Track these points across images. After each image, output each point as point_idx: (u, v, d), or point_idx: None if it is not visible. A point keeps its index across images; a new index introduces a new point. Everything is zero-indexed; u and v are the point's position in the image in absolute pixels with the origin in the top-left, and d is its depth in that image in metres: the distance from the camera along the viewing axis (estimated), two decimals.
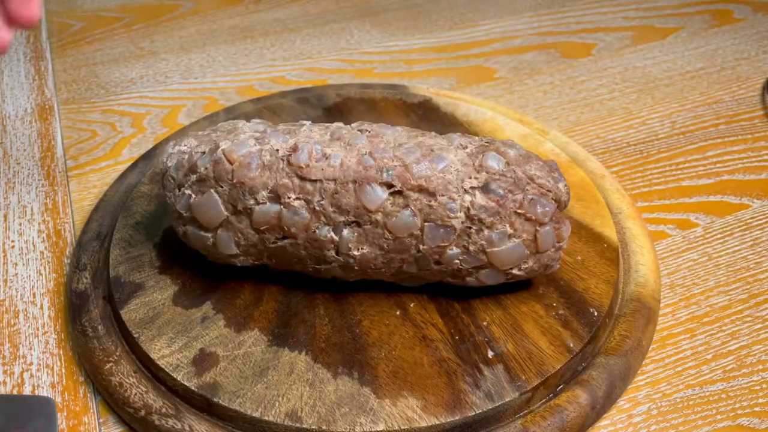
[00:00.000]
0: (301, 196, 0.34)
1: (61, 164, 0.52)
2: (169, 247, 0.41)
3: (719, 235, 0.45)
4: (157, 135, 0.54)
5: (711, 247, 0.44)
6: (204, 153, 0.36)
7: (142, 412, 0.34)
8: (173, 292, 0.38)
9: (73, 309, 0.39)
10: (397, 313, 0.37)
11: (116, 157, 0.52)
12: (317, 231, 0.35)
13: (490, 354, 0.35)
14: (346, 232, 0.34)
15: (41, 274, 0.43)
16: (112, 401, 0.35)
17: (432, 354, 0.35)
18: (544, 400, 0.35)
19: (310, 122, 0.38)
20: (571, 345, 0.35)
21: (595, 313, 0.37)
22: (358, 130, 0.37)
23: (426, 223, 0.34)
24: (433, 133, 0.37)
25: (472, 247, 0.34)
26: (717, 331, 0.39)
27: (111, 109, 0.58)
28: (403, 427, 0.32)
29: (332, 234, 0.35)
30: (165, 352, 0.35)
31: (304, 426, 0.32)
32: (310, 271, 0.37)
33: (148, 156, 0.50)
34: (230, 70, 0.62)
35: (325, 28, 0.69)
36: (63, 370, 0.38)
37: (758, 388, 0.36)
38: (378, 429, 0.32)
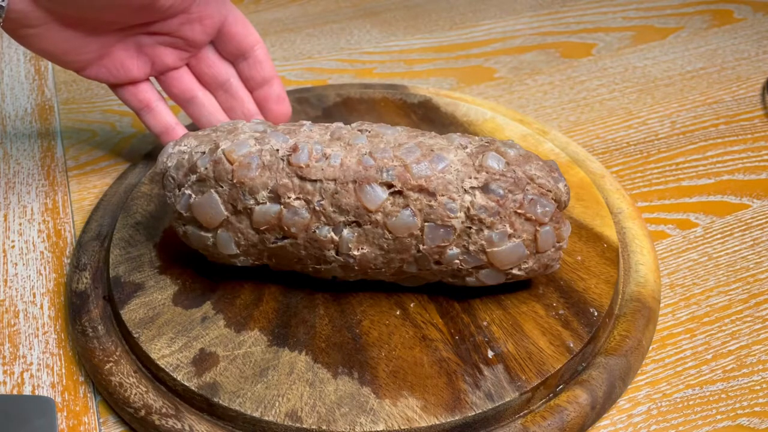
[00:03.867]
0: (301, 196, 0.34)
1: (61, 164, 0.52)
2: (169, 247, 0.41)
3: (719, 235, 0.45)
4: None
5: (711, 247, 0.44)
6: (204, 153, 0.36)
7: (142, 412, 0.34)
8: (173, 292, 0.38)
9: (73, 309, 0.39)
10: (397, 313, 0.37)
11: (116, 157, 0.52)
12: (317, 231, 0.35)
13: (490, 354, 0.35)
14: (346, 232, 0.34)
15: (41, 274, 0.43)
16: (112, 401, 0.35)
17: (432, 354, 0.35)
18: (544, 400, 0.35)
19: (310, 122, 0.38)
20: (571, 345, 0.35)
21: (595, 313, 0.37)
22: (358, 130, 0.37)
23: (426, 223, 0.34)
24: (433, 133, 0.37)
25: (472, 247, 0.34)
26: (717, 331, 0.39)
27: (111, 109, 0.58)
28: (403, 427, 0.32)
29: (332, 234, 0.35)
30: (165, 352, 0.35)
31: (304, 426, 0.32)
32: (310, 271, 0.37)
33: (148, 156, 0.50)
34: None
35: (325, 28, 0.69)
36: (63, 370, 0.38)
37: (758, 388, 0.36)
38: (378, 429, 0.32)
